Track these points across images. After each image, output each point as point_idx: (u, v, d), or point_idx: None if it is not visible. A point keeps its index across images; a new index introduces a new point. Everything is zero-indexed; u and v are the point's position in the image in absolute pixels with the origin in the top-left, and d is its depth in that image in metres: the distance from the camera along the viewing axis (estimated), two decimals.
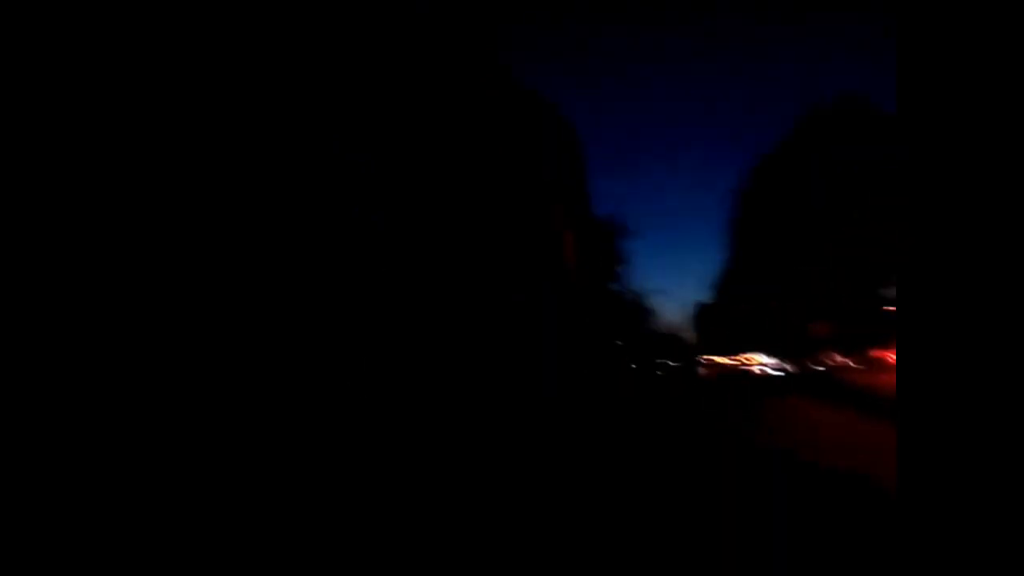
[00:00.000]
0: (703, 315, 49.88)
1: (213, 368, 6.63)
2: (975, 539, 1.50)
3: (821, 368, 28.81)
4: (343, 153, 8.26)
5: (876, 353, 26.40)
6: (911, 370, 1.71)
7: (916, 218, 1.77)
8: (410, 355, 8.24)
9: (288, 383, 6.87)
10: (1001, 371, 1.62)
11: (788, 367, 30.62)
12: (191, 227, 7.03)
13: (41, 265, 6.01)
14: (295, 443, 5.33)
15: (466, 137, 9.48)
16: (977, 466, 1.52)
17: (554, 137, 12.34)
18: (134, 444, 4.83)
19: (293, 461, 4.73)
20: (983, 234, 1.67)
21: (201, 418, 5.71)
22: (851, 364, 27.15)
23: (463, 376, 8.45)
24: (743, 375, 31.16)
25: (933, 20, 1.57)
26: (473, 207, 9.56)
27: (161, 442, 4.99)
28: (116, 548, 3.06)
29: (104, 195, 6.45)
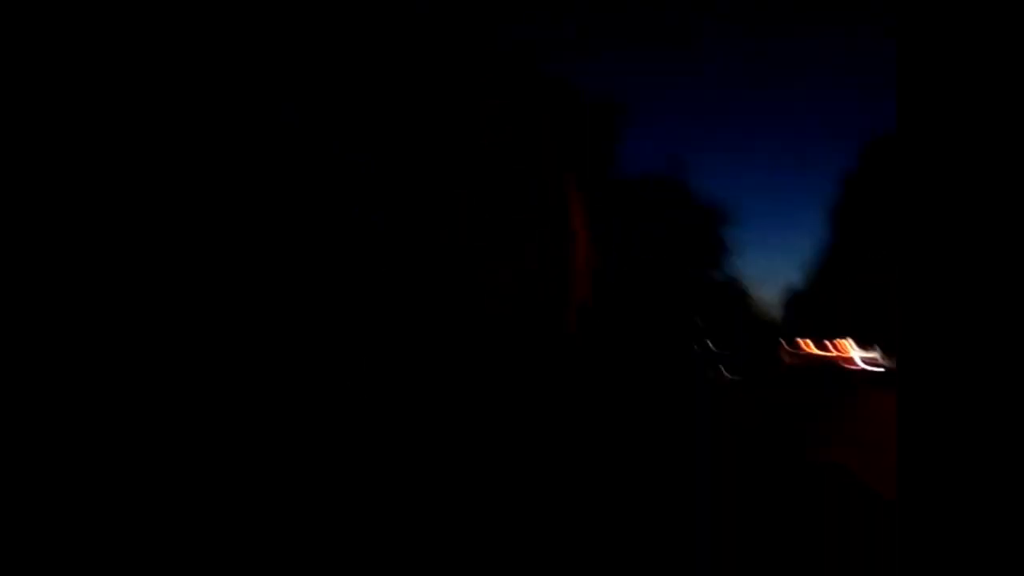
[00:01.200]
0: (795, 301, 48.29)
1: (214, 365, 6.64)
2: (977, 544, 1.50)
3: None
4: (343, 153, 8.26)
5: None
6: (912, 373, 1.71)
7: (917, 218, 1.76)
8: (408, 353, 8.24)
9: (290, 381, 6.88)
10: (1004, 374, 1.61)
11: (882, 360, 29.00)
12: (192, 227, 7.04)
13: (50, 263, 6.03)
14: (301, 441, 5.35)
15: (470, 134, 9.46)
16: (980, 471, 1.52)
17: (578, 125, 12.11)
18: (132, 441, 4.84)
19: (296, 458, 4.76)
20: (986, 235, 1.66)
21: (203, 414, 5.72)
22: None
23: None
24: (831, 366, 29.57)
25: (933, 20, 1.57)
26: (477, 202, 9.54)
27: (162, 438, 4.99)
28: (114, 547, 3.06)
29: (106, 196, 6.46)
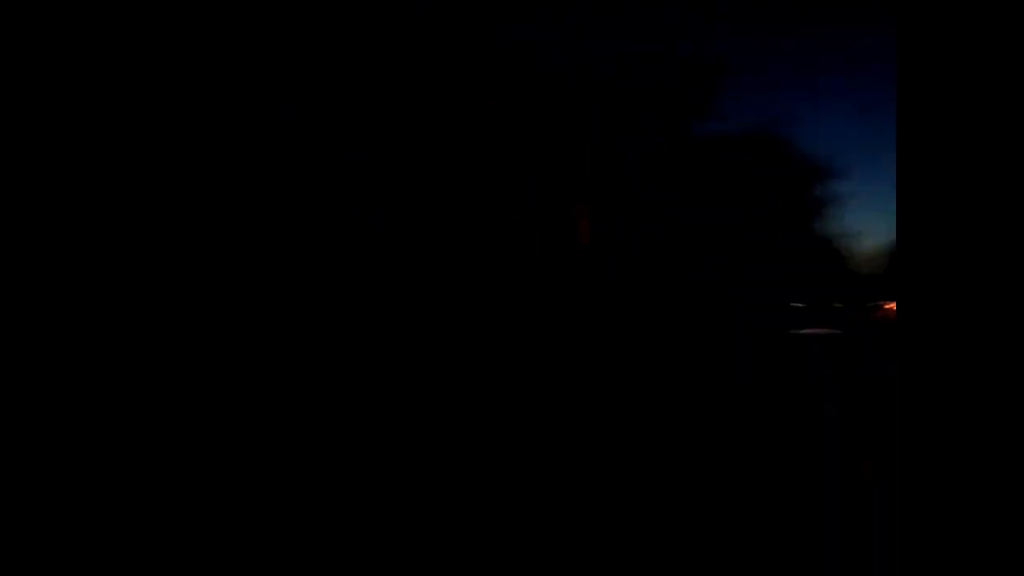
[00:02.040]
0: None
1: (213, 368, 6.65)
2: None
3: None
4: (343, 153, 8.27)
5: None
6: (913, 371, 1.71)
7: (914, 214, 1.76)
8: (409, 353, 8.24)
9: (292, 380, 6.89)
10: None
11: None
12: (191, 228, 7.05)
13: (50, 264, 6.04)
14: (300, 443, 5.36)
15: (470, 134, 9.47)
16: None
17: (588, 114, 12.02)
18: (132, 442, 4.84)
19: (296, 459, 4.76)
20: (980, 230, 1.66)
21: (202, 417, 5.73)
22: None
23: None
24: None
25: (932, 19, 1.57)
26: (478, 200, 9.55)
27: (161, 437, 5.00)
28: (114, 547, 3.06)
29: (104, 196, 6.47)
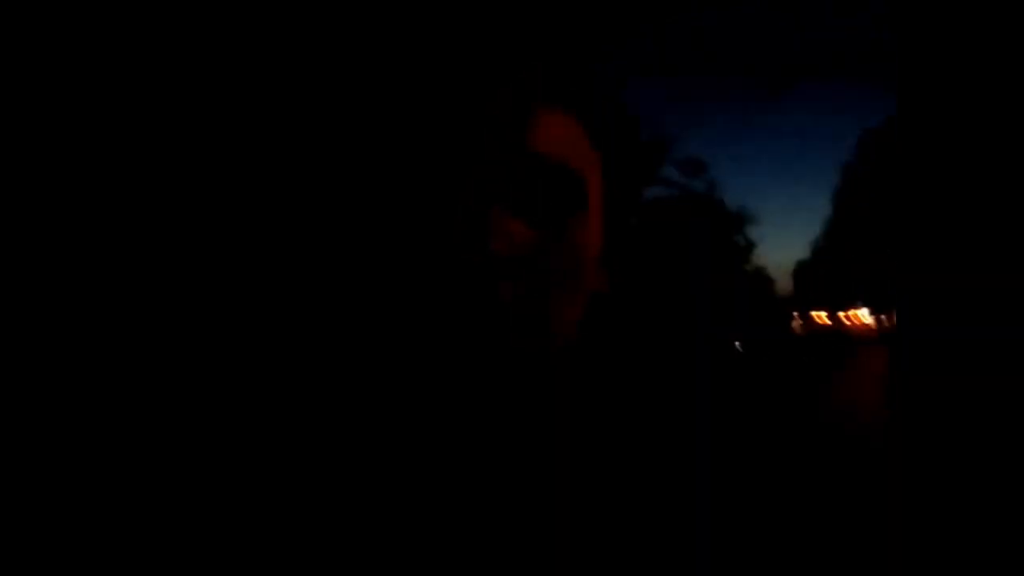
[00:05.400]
0: (803, 273, 50.60)
1: (211, 370, 6.72)
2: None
3: None
4: (342, 152, 8.27)
5: None
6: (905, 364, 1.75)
7: (912, 218, 1.79)
8: (404, 356, 8.31)
9: (290, 381, 6.95)
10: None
11: (887, 322, 32.67)
12: (188, 228, 7.09)
13: (48, 263, 6.08)
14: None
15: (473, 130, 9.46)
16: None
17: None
18: (129, 444, 4.91)
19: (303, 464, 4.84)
20: (979, 233, 1.69)
21: (200, 419, 5.80)
22: None
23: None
24: (838, 333, 33.56)
25: (933, 18, 1.58)
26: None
27: (160, 437, 5.06)
28: (113, 548, 3.08)
29: (100, 195, 6.51)
